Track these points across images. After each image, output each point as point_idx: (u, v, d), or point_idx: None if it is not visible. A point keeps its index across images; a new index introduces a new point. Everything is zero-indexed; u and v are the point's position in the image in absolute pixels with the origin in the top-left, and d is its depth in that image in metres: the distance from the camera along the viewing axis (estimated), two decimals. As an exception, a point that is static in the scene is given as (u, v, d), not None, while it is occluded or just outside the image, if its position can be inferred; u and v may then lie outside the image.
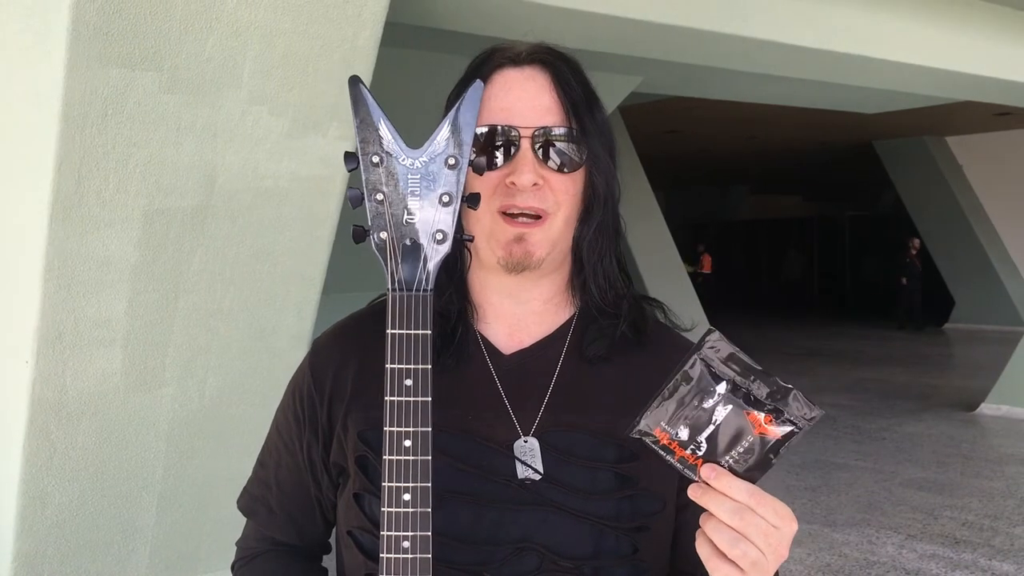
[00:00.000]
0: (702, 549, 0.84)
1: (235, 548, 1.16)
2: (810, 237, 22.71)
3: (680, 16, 3.86)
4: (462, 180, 0.85)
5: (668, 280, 9.53)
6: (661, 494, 1.02)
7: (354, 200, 0.85)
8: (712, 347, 0.84)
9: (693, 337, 1.11)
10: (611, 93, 5.74)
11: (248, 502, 1.13)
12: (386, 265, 0.85)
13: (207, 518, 2.82)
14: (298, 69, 2.48)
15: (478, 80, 0.87)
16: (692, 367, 0.84)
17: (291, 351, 2.83)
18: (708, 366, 0.84)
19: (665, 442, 0.84)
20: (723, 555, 0.82)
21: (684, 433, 0.84)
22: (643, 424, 0.85)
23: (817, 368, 11.40)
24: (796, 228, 23.06)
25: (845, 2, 4.54)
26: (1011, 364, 8.45)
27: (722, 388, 0.83)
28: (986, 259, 14.78)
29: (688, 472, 0.85)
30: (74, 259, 2.31)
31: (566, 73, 1.02)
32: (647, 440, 0.85)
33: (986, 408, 8.36)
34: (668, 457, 0.85)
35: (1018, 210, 14.84)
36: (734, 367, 0.84)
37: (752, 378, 0.83)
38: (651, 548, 1.01)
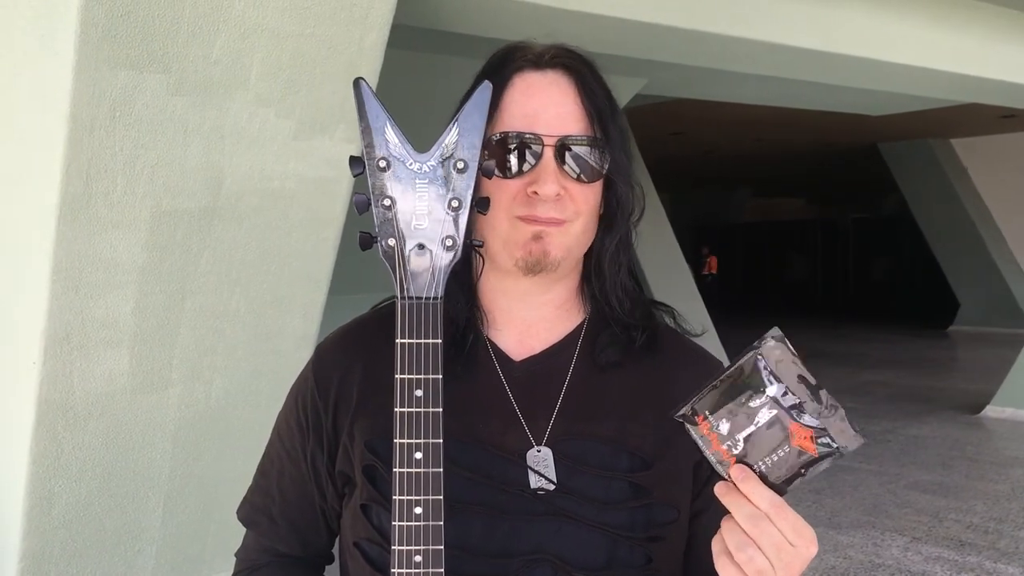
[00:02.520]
0: (715, 545, 0.83)
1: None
2: (814, 240, 22.69)
3: (685, 19, 3.86)
4: (472, 185, 0.81)
5: (672, 282, 9.51)
6: (675, 503, 0.99)
7: (360, 206, 0.81)
8: (771, 347, 0.81)
9: (701, 343, 1.10)
10: (616, 95, 5.74)
11: (249, 512, 1.09)
12: (394, 273, 0.81)
13: (213, 519, 2.83)
14: (305, 71, 2.49)
15: (486, 81, 0.84)
16: (747, 362, 0.81)
17: (297, 352, 2.84)
18: (763, 365, 0.81)
19: (705, 431, 0.82)
20: (732, 557, 0.82)
21: (725, 427, 0.81)
22: (688, 408, 0.82)
23: (821, 370, 11.13)
24: (800, 231, 23.04)
25: (850, 5, 4.54)
26: (1016, 367, 8.42)
27: (772, 391, 0.81)
28: (991, 261, 14.74)
29: (720, 468, 0.83)
30: (82, 260, 2.31)
31: (589, 79, 0.98)
32: (687, 425, 0.82)
33: (991, 411, 8.34)
34: (704, 448, 0.83)
35: (1023, 212, 14.81)
36: (788, 373, 0.81)
37: (804, 389, 0.81)
38: (665, 558, 0.99)
